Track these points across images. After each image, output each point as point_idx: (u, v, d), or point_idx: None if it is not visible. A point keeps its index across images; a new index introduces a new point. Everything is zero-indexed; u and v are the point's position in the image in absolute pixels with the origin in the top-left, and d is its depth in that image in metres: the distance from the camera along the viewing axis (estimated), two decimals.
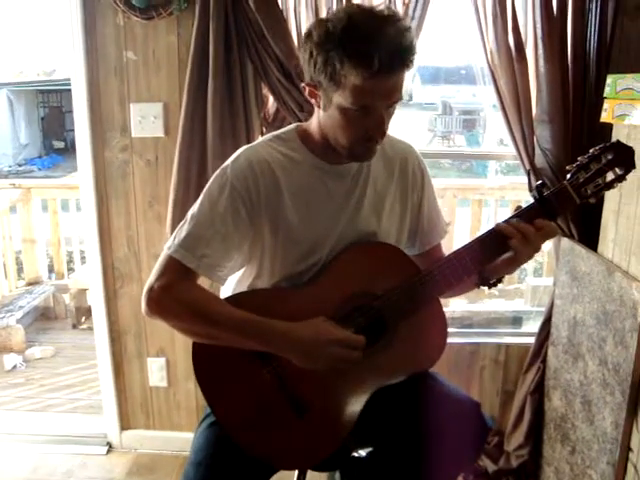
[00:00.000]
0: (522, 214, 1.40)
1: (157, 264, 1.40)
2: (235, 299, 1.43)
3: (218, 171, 1.44)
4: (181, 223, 1.42)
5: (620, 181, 1.38)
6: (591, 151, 1.38)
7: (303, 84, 1.39)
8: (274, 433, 1.42)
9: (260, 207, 1.40)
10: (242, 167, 1.40)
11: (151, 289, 1.36)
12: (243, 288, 1.49)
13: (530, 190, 1.40)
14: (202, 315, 1.36)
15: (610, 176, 1.38)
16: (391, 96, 1.30)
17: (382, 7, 1.32)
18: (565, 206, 1.41)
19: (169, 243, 1.40)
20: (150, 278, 1.38)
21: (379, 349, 1.42)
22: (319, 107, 1.37)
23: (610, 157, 1.37)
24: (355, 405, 1.43)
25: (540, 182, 1.44)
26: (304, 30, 2.09)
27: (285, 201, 1.41)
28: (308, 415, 1.41)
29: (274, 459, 1.43)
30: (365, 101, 1.27)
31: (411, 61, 1.27)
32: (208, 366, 1.42)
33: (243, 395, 1.41)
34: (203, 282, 1.42)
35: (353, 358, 1.33)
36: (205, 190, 1.43)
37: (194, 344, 1.42)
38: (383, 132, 1.34)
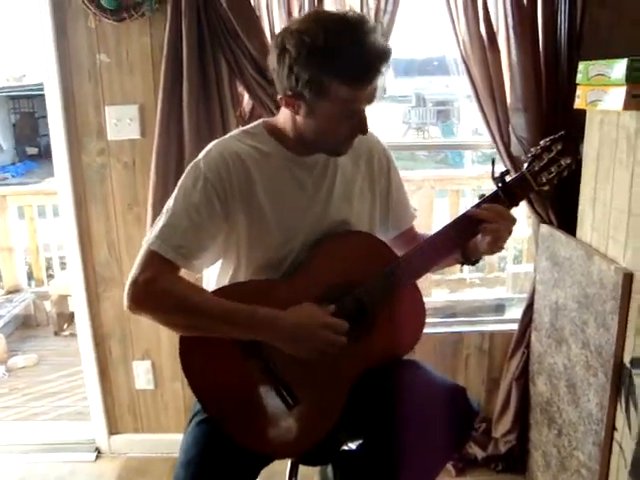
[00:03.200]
0: (487, 201, 1.47)
1: (138, 259, 1.40)
2: (219, 292, 1.44)
3: (191, 165, 1.47)
4: (158, 217, 1.44)
5: (569, 170, 1.48)
6: (542, 143, 1.49)
7: (279, 97, 1.41)
8: (264, 422, 1.43)
9: (234, 198, 1.42)
10: (215, 160, 1.43)
11: (134, 283, 1.36)
12: (224, 282, 1.51)
13: (493, 178, 1.46)
14: (188, 306, 1.37)
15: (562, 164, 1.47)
16: (373, 97, 1.37)
17: (350, 12, 1.37)
18: (524, 193, 1.51)
19: (147, 237, 1.41)
20: (132, 272, 1.38)
21: (361, 335, 1.45)
22: (297, 114, 1.40)
23: (559, 147, 1.46)
24: (341, 392, 1.45)
25: (504, 170, 1.50)
26: (277, 27, 2.10)
27: (258, 192, 1.44)
28: (297, 403, 1.42)
29: (265, 448, 1.44)
30: (352, 107, 1.35)
31: (388, 61, 1.34)
32: (195, 359, 1.43)
33: (232, 386, 1.42)
34: (187, 276, 1.43)
35: (339, 341, 1.36)
36: (179, 184, 1.46)
37: (181, 338, 1.42)
38: (366, 127, 1.41)
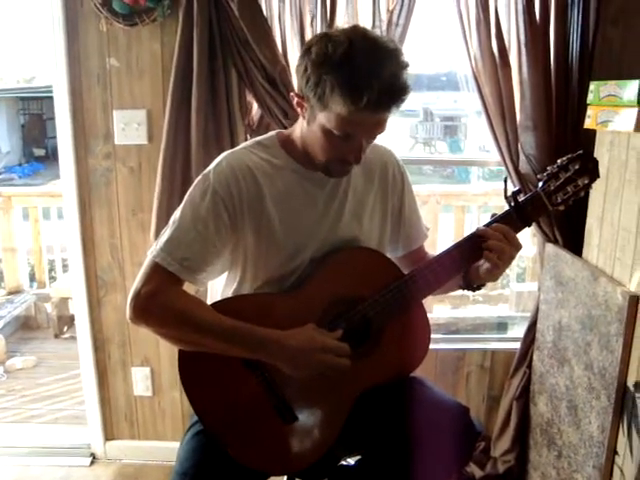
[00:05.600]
0: (498, 220, 1.44)
1: (142, 270, 1.39)
2: (221, 305, 1.42)
3: (200, 177, 1.44)
4: (164, 228, 1.42)
5: (586, 190, 1.45)
6: (559, 161, 1.45)
7: (292, 93, 1.40)
8: (261, 439, 1.41)
9: (242, 212, 1.40)
10: (224, 172, 1.40)
11: (137, 295, 1.35)
12: (228, 294, 1.49)
13: (506, 197, 1.43)
14: (189, 322, 1.35)
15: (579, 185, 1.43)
16: (374, 131, 1.34)
17: (387, 39, 1.32)
18: (538, 213, 1.47)
19: (152, 248, 1.40)
20: (135, 284, 1.37)
21: (365, 353, 1.42)
22: (304, 118, 1.38)
23: (577, 167, 1.43)
24: (342, 410, 1.43)
25: (517, 189, 1.47)
26: (288, 37, 2.10)
27: (267, 206, 1.41)
28: (296, 421, 1.40)
29: (261, 465, 1.41)
30: (347, 130, 1.30)
31: (401, 101, 1.29)
32: (195, 373, 1.41)
33: (230, 401, 1.40)
34: (189, 288, 1.41)
35: (342, 365, 1.34)
36: (187, 195, 1.43)
37: (180, 351, 1.41)
38: (359, 158, 1.36)
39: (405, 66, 1.28)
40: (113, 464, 2.62)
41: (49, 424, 3.12)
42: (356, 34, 1.30)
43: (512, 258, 1.41)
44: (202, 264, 1.39)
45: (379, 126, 1.32)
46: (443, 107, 14.98)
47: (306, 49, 1.32)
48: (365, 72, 1.23)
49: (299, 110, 1.39)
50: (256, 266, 1.45)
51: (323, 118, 1.30)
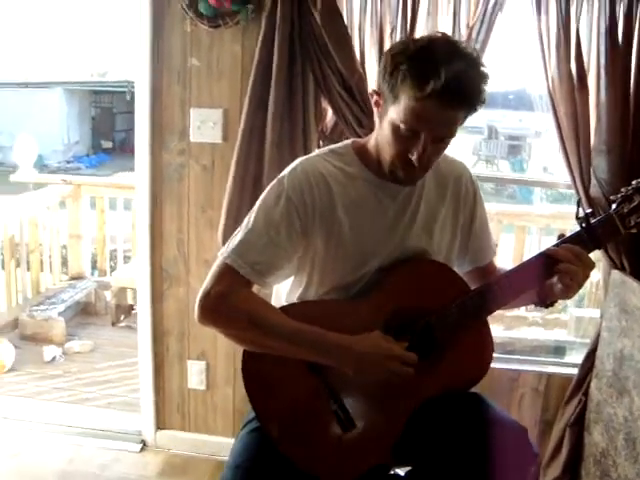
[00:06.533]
0: (568, 241, 1.42)
1: (212, 271, 1.42)
2: (287, 309, 1.44)
3: (274, 181, 1.46)
4: (236, 230, 1.45)
5: None
6: (634, 183, 1.42)
7: (371, 90, 1.43)
8: (317, 444, 1.43)
9: (314, 219, 1.41)
10: (299, 178, 1.42)
11: (207, 296, 1.39)
12: (293, 299, 1.51)
13: (577, 218, 1.41)
14: (258, 324, 1.38)
15: None
16: (438, 129, 1.32)
17: (469, 47, 1.36)
18: (610, 236, 1.45)
19: (222, 249, 1.43)
20: (205, 285, 1.40)
21: (427, 366, 1.42)
22: (379, 118, 1.40)
23: None
24: (399, 421, 1.43)
25: (589, 211, 1.45)
26: (367, 47, 2.13)
27: (339, 214, 1.43)
28: (353, 427, 1.41)
29: (315, 469, 1.42)
30: (412, 123, 1.29)
31: (469, 103, 1.29)
32: (257, 372, 1.44)
33: (290, 403, 1.42)
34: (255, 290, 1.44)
35: (406, 373, 1.34)
36: (261, 199, 1.46)
37: (245, 351, 1.43)
38: (423, 160, 1.33)
39: (482, 74, 1.29)
40: (162, 453, 2.67)
41: (102, 408, 3.19)
42: (438, 35, 1.35)
43: (587, 278, 1.40)
44: (272, 268, 1.41)
45: (443, 125, 1.31)
46: (508, 126, 14.79)
47: (390, 47, 1.38)
48: (436, 62, 1.23)
49: (375, 110, 1.41)
50: (323, 272, 1.46)
51: (393, 112, 1.31)
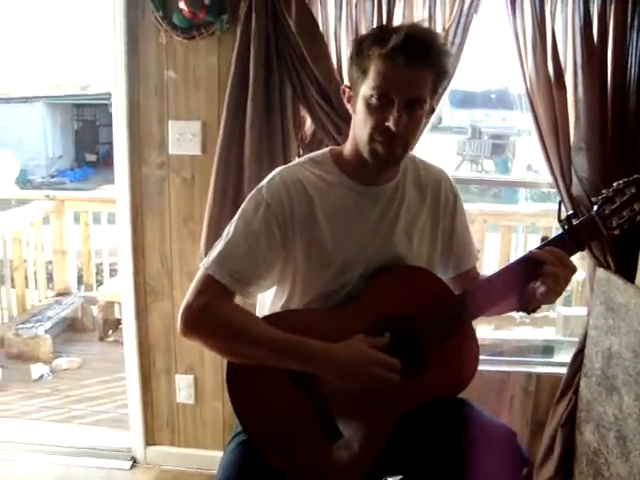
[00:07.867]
0: (550, 244, 1.42)
1: (194, 282, 1.41)
2: (270, 319, 1.43)
3: (254, 191, 1.46)
4: (217, 241, 1.44)
5: None
6: (615, 185, 1.43)
7: (343, 86, 1.46)
8: (304, 454, 1.41)
9: (294, 227, 1.41)
10: (277, 187, 1.42)
11: (189, 308, 1.37)
12: (277, 309, 1.50)
13: (559, 220, 1.41)
14: (241, 335, 1.37)
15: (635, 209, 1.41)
16: (408, 89, 1.31)
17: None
18: (592, 237, 1.46)
19: (204, 260, 1.42)
20: (187, 297, 1.39)
21: (412, 372, 1.41)
22: (354, 112, 1.40)
23: (633, 191, 1.40)
24: (386, 428, 1.42)
25: (571, 212, 1.45)
26: (344, 54, 2.12)
27: (319, 222, 1.42)
28: (340, 438, 1.40)
29: (302, 479, 1.42)
30: (382, 86, 1.30)
31: (433, 60, 1.32)
32: (242, 384, 1.43)
33: (276, 414, 1.41)
34: (237, 300, 1.43)
35: (390, 379, 1.33)
36: (240, 209, 1.45)
37: (229, 363, 1.42)
38: (400, 126, 1.32)
39: (443, 43, 1.41)
40: (153, 469, 2.64)
41: (91, 426, 3.16)
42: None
43: (568, 282, 1.40)
44: (253, 277, 1.41)
45: (412, 85, 1.31)
46: (492, 125, 14.87)
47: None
48: (399, 27, 1.35)
49: (349, 105, 1.43)
50: (305, 281, 1.46)
51: (364, 88, 1.34)
